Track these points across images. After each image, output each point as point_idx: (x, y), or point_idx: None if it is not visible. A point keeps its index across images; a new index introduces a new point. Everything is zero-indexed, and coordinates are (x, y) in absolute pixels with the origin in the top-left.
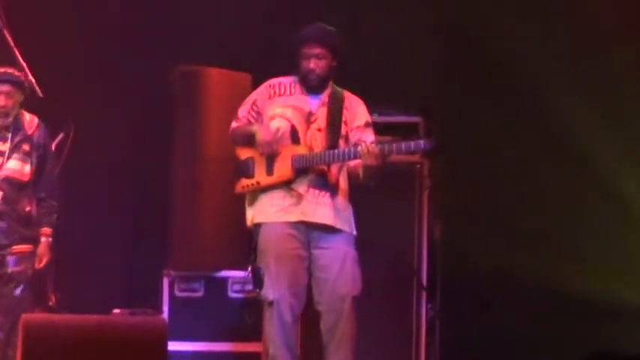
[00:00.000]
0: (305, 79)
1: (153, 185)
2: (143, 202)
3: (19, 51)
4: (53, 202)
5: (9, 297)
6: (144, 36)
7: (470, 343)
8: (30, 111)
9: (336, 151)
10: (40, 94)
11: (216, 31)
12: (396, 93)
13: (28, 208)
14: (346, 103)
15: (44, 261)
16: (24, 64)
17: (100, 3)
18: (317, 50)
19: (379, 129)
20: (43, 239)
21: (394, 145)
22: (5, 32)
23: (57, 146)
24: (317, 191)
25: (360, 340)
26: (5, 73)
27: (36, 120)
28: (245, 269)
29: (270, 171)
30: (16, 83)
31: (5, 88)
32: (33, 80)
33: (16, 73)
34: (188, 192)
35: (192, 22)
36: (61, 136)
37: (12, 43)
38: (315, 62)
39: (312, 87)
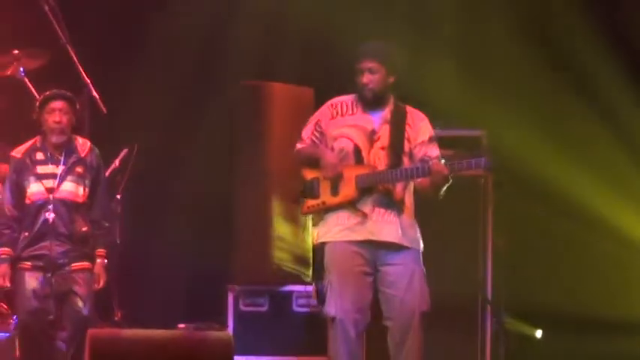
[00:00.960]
0: (360, 95)
1: (217, 200)
2: (208, 217)
3: (82, 67)
4: (107, 223)
5: (77, 315)
6: (206, 51)
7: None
8: (93, 127)
9: (400, 169)
10: (104, 110)
11: (279, 46)
12: (457, 107)
13: (84, 229)
14: (408, 120)
15: (102, 282)
16: (87, 81)
17: (163, 20)
18: (370, 64)
19: (441, 143)
20: (98, 260)
21: (456, 163)
22: (69, 49)
23: (120, 162)
24: (382, 210)
25: (427, 355)
26: (59, 90)
27: (88, 143)
28: (309, 284)
29: (335, 191)
30: (70, 100)
31: (59, 104)
32: (97, 96)
33: (69, 93)
34: (252, 206)
35: (254, 37)
36: (124, 152)
37: (75, 60)
38: (368, 77)
39: (368, 102)
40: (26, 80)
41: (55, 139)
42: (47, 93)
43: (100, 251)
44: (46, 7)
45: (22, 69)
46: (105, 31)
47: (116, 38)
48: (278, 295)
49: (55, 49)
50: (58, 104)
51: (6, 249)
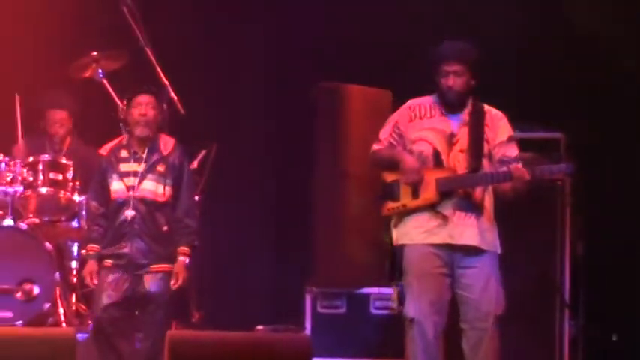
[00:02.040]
0: (444, 97)
1: (296, 201)
2: (286, 219)
3: (160, 68)
4: (190, 222)
5: (149, 319)
6: (285, 53)
7: None
8: (172, 128)
9: (481, 174)
10: (182, 111)
11: (357, 47)
12: (536, 109)
13: (165, 228)
14: (487, 120)
15: (179, 281)
16: (166, 82)
17: (241, 20)
18: (455, 67)
19: (520, 145)
20: (180, 258)
21: (537, 169)
22: (147, 50)
23: (199, 164)
24: (463, 214)
25: (503, 358)
26: (146, 85)
27: (172, 141)
28: (387, 286)
29: (415, 194)
30: (156, 96)
31: (145, 98)
32: (175, 98)
33: (155, 88)
34: (330, 208)
35: (333, 38)
36: (202, 153)
37: (154, 62)
38: (454, 79)
39: (451, 105)
40: (105, 82)
41: (139, 131)
42: (134, 88)
43: (183, 249)
44: (125, 9)
45: (100, 70)
46: (183, 32)
47: (194, 38)
48: (356, 297)
49: (133, 51)
50: (144, 98)
51: (95, 245)
